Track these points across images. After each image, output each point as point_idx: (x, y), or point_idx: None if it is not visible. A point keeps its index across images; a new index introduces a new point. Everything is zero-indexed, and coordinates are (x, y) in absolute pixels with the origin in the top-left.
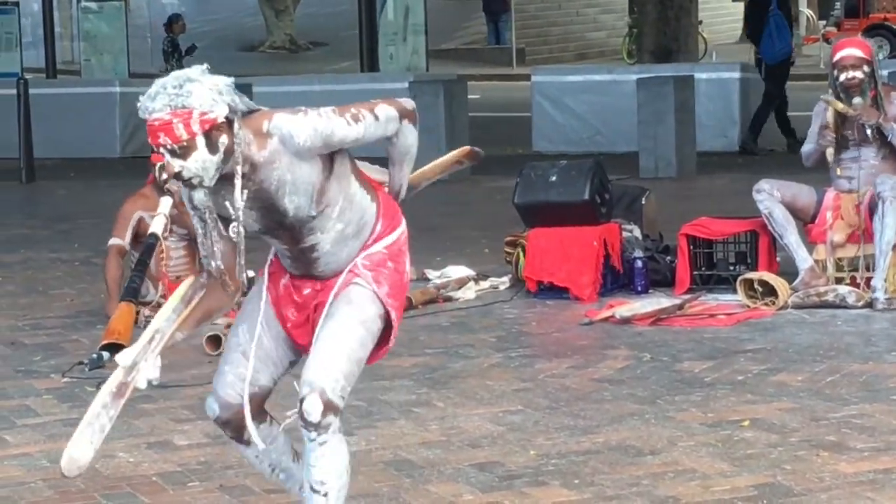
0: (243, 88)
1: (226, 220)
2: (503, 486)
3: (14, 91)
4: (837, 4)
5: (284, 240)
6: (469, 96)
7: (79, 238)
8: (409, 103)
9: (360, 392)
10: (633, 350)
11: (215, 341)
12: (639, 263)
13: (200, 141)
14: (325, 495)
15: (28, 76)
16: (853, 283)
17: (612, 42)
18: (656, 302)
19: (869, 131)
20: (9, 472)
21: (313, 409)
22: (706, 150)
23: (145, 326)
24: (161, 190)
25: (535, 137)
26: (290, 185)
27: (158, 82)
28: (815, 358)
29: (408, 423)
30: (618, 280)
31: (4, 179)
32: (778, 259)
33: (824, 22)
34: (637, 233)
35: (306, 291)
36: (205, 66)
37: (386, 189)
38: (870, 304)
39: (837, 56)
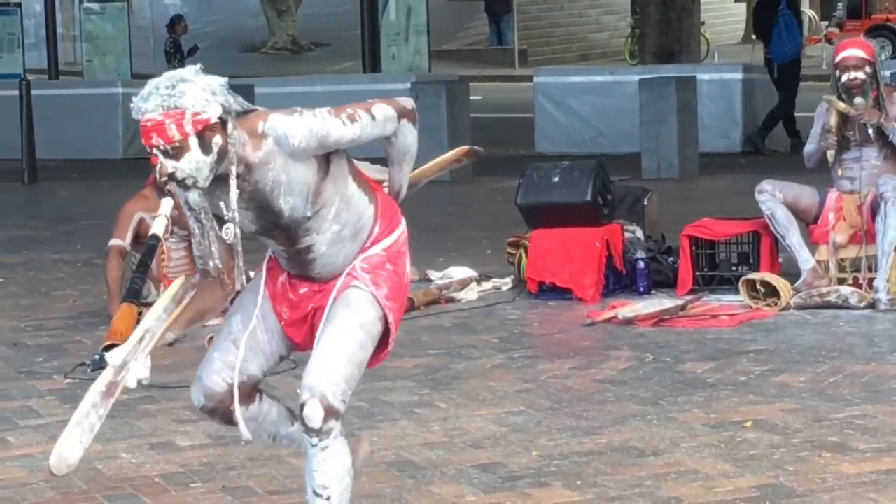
0: (245, 89)
1: (222, 221)
2: (505, 487)
3: (16, 92)
4: (840, 5)
5: (280, 240)
6: (471, 97)
7: (81, 239)
8: (408, 103)
9: (362, 393)
10: (636, 351)
11: None
12: (641, 264)
13: (193, 141)
14: (328, 499)
15: (30, 77)
16: (855, 283)
17: (615, 43)
18: (659, 303)
19: (870, 131)
20: (11, 473)
21: (314, 415)
22: (708, 151)
23: None
24: (162, 191)
25: (537, 138)
26: (284, 186)
27: (151, 83)
28: (817, 359)
29: (410, 423)
30: (620, 281)
31: (7, 180)
32: (780, 260)
33: (826, 23)
34: (639, 234)
35: (302, 290)
36: (198, 66)
37: (385, 189)
38: (872, 305)
39: (839, 57)
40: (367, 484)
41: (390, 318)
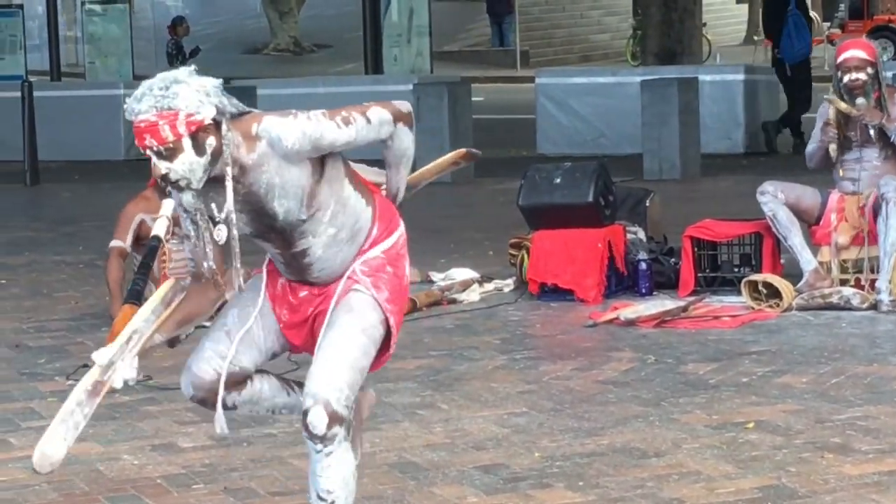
0: (247, 91)
1: (215, 223)
2: (508, 489)
3: (18, 94)
4: (842, 6)
5: (276, 244)
6: (473, 98)
7: (83, 240)
8: (404, 106)
9: None
10: (638, 352)
11: None
12: (643, 265)
13: (187, 143)
14: None
15: (32, 79)
16: (857, 284)
17: (616, 44)
18: (661, 304)
19: (872, 132)
20: (13, 474)
21: (319, 422)
22: (710, 152)
23: None
24: (163, 192)
25: (539, 139)
26: (279, 189)
27: (145, 84)
28: (819, 360)
29: (412, 425)
30: (622, 282)
31: (9, 182)
32: (782, 261)
33: (829, 23)
34: (641, 235)
35: (302, 294)
36: (192, 67)
37: (383, 192)
38: (874, 306)
39: (841, 57)
40: (369, 485)
41: (392, 321)
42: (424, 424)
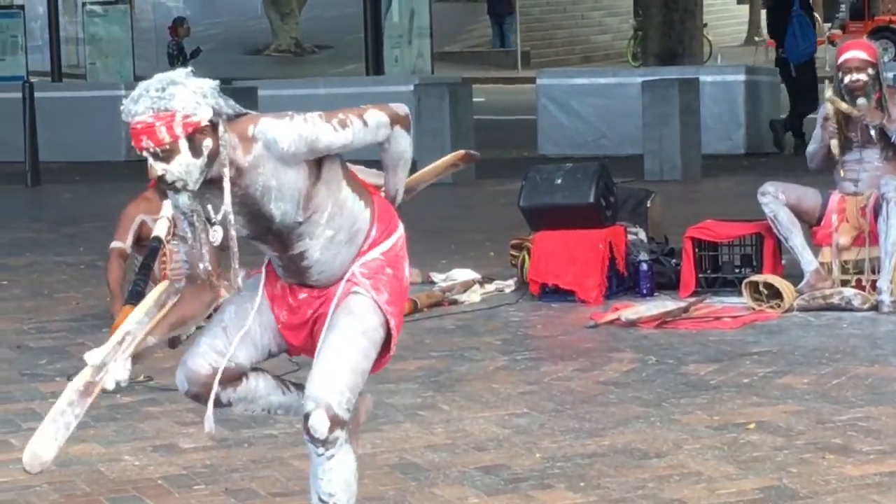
0: (248, 91)
1: (211, 224)
2: (509, 489)
3: (20, 94)
4: (842, 7)
5: (274, 246)
6: (474, 99)
7: (84, 241)
8: (401, 109)
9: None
10: (639, 353)
11: None
12: (644, 266)
13: (183, 144)
14: None
15: (34, 79)
16: (859, 285)
17: (617, 45)
18: (661, 305)
19: (873, 132)
20: (14, 475)
21: (320, 426)
22: (711, 153)
23: None
24: (164, 193)
25: (540, 140)
26: (275, 191)
27: (142, 85)
28: (820, 360)
29: (413, 426)
30: (623, 283)
31: (10, 183)
32: (783, 262)
33: (829, 24)
34: (642, 235)
35: (301, 296)
36: (189, 69)
37: (382, 194)
38: (875, 307)
39: (842, 58)
40: (370, 486)
41: (392, 324)
42: (425, 425)
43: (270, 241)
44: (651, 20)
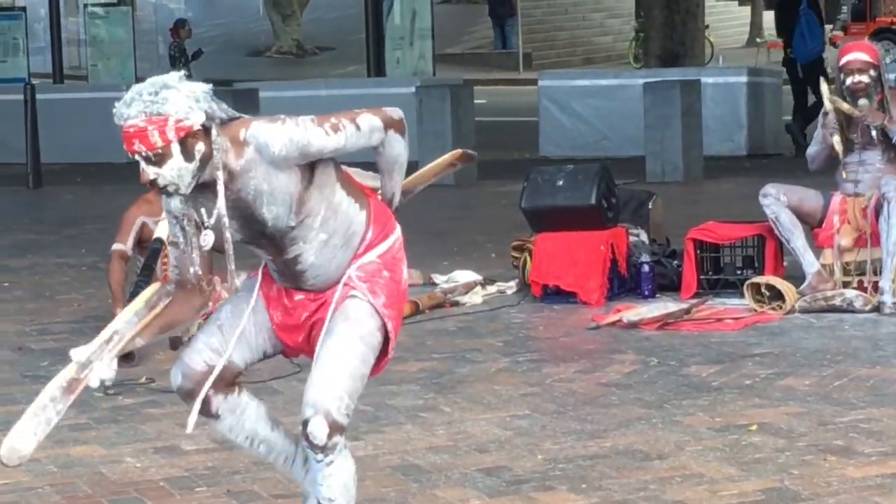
0: (250, 93)
1: (203, 228)
2: (510, 491)
3: (21, 96)
4: (844, 8)
5: (268, 250)
6: (475, 101)
7: (86, 243)
8: (395, 113)
9: (367, 397)
10: (641, 354)
11: None
12: (646, 268)
13: (176, 148)
14: None
15: (35, 81)
16: (860, 287)
17: (619, 46)
18: (663, 306)
19: (874, 133)
20: (16, 477)
21: (319, 433)
22: (713, 155)
23: None
24: None
25: (541, 142)
26: (267, 195)
27: (134, 88)
28: (822, 362)
29: (415, 427)
30: (625, 284)
31: (12, 184)
32: (785, 263)
33: (831, 26)
34: (644, 237)
35: (298, 298)
36: (182, 72)
37: (379, 196)
38: (877, 309)
39: (844, 60)
40: (371, 488)
41: (389, 327)
42: (427, 427)
43: (264, 245)
44: (653, 22)
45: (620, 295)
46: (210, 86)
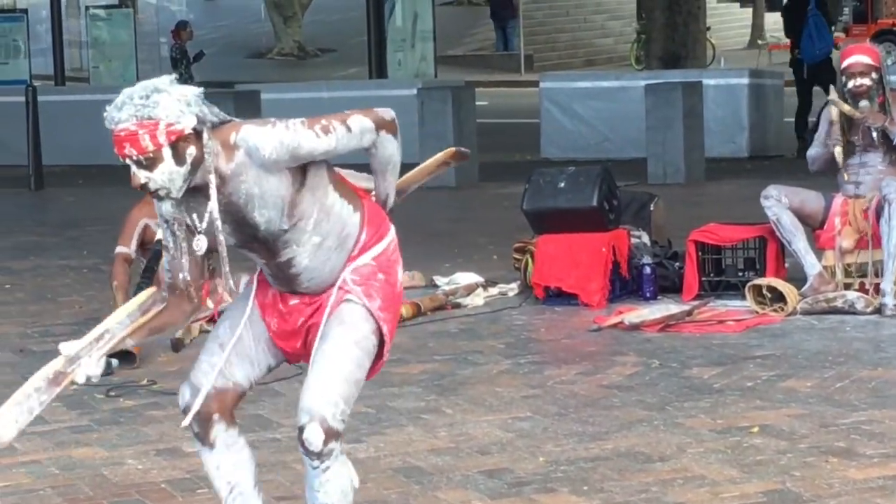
0: (251, 95)
1: (196, 233)
2: (512, 493)
3: (23, 98)
4: (846, 10)
5: (261, 254)
6: (477, 103)
7: (88, 245)
8: (387, 114)
9: (368, 399)
10: (642, 356)
11: None
12: (647, 270)
13: (167, 152)
14: None
15: (37, 83)
16: (862, 288)
17: (621, 48)
18: (665, 308)
19: (875, 135)
20: (18, 479)
21: (315, 439)
22: (714, 156)
23: None
24: None
25: (543, 144)
26: (258, 199)
27: (125, 92)
28: (824, 364)
29: (416, 429)
30: (626, 286)
31: (13, 186)
32: (786, 265)
33: (833, 27)
34: (645, 239)
35: (293, 302)
36: (173, 76)
37: (373, 198)
38: (878, 310)
39: (846, 63)
40: (373, 490)
41: (385, 330)
42: (429, 429)
43: (257, 248)
44: (654, 23)
45: (622, 297)
46: (201, 89)
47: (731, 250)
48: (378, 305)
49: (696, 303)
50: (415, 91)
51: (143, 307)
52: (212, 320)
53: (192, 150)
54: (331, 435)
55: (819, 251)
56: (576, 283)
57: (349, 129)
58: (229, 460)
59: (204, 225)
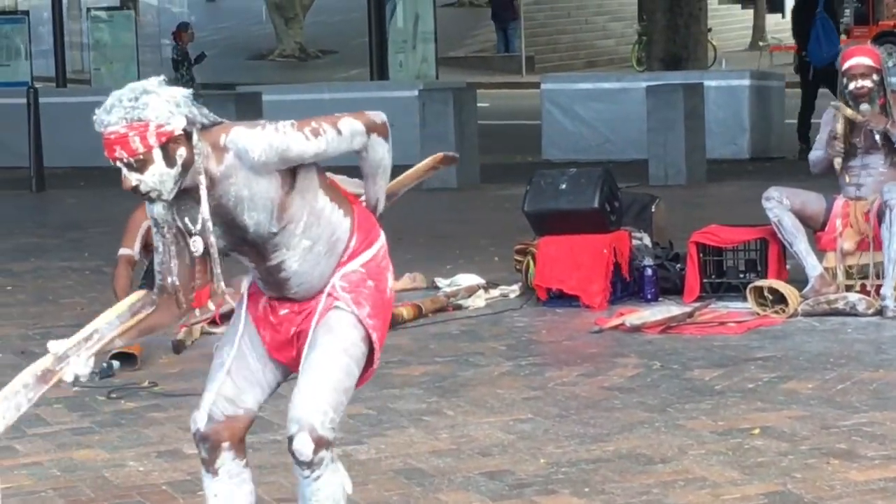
0: (253, 96)
1: (185, 236)
2: (513, 495)
3: (24, 100)
4: (847, 12)
5: (251, 257)
6: (478, 104)
7: (89, 247)
8: (378, 117)
9: (370, 400)
10: (643, 358)
11: None
12: (649, 271)
13: (157, 154)
14: None
15: (38, 85)
16: (863, 290)
17: (622, 50)
18: (666, 310)
19: (877, 137)
20: (19, 480)
21: (305, 449)
22: (716, 158)
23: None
24: None
25: (544, 145)
26: (247, 201)
27: (114, 94)
28: (825, 366)
29: (418, 431)
30: (627, 288)
31: (15, 188)
32: (787, 267)
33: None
34: (647, 241)
35: (283, 312)
36: (162, 77)
37: (363, 203)
38: (880, 312)
39: (847, 65)
40: (374, 491)
41: (374, 337)
42: (430, 430)
43: (247, 251)
44: (655, 25)
45: (623, 298)
46: (190, 90)
47: (732, 252)
48: (367, 313)
49: (697, 304)
50: (416, 92)
51: (133, 308)
52: (213, 322)
53: (182, 152)
54: (321, 444)
55: (820, 253)
56: (577, 284)
57: (339, 132)
58: (229, 493)
59: (197, 227)
